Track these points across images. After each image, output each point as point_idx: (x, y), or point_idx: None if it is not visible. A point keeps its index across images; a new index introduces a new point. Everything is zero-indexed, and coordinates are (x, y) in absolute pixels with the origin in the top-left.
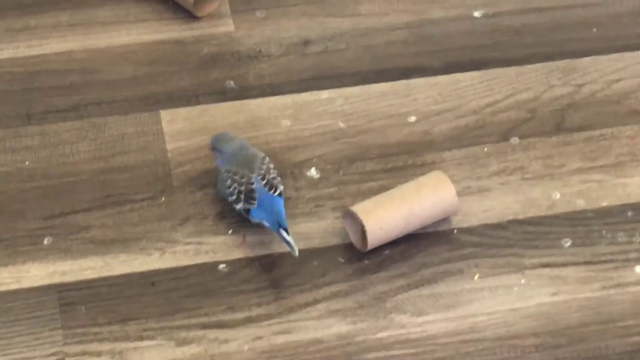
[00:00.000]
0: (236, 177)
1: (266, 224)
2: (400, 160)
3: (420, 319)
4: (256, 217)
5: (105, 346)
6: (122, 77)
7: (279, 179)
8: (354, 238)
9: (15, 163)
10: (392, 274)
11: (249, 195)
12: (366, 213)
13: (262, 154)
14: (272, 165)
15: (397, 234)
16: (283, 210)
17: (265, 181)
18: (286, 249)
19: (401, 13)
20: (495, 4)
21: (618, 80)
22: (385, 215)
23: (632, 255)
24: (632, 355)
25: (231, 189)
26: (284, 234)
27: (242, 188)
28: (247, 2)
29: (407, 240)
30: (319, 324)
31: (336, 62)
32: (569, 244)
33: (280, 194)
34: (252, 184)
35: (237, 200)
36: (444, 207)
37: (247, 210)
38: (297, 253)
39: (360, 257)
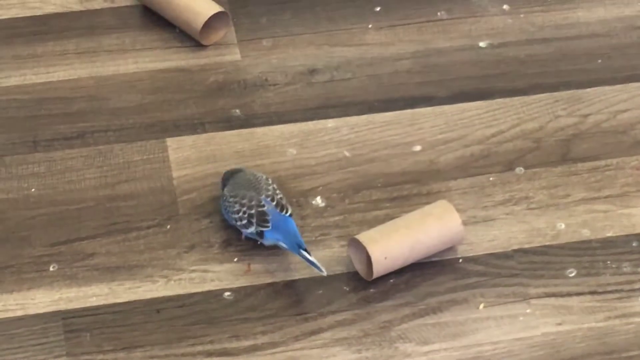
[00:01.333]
0: (244, 201)
1: (283, 245)
2: (406, 189)
3: (426, 348)
4: (271, 239)
5: None
6: (128, 104)
7: (286, 199)
8: (359, 267)
9: (21, 190)
10: (398, 303)
11: (262, 218)
12: (372, 242)
13: (264, 175)
14: (276, 186)
15: (402, 262)
16: (297, 230)
17: (275, 202)
18: (292, 277)
19: (407, 43)
20: (501, 34)
21: (623, 111)
22: (391, 244)
23: (637, 285)
24: None
25: (240, 214)
26: (307, 254)
27: (253, 211)
28: (254, 31)
29: (412, 269)
30: (324, 352)
31: (342, 91)
32: (574, 273)
33: (290, 215)
34: (263, 205)
35: (249, 224)
36: (450, 236)
37: (260, 233)
38: (325, 272)
39: (365, 286)
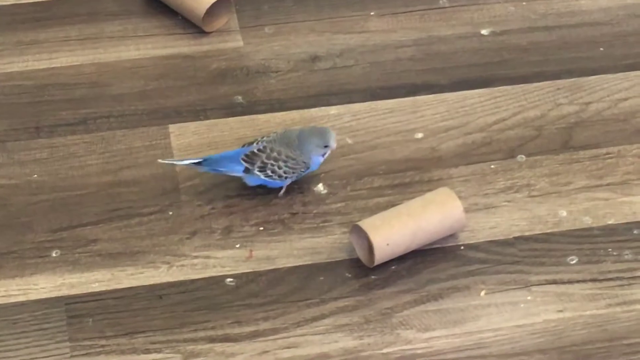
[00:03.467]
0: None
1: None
2: (408, 176)
3: (427, 335)
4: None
5: (112, 359)
6: (131, 91)
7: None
8: (360, 253)
9: (23, 176)
10: (399, 290)
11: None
12: (373, 228)
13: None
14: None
15: (404, 249)
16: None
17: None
18: (294, 263)
19: (409, 30)
20: (503, 22)
21: (625, 99)
22: (393, 231)
23: (638, 273)
24: None
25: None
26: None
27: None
28: (256, 18)
29: (413, 256)
30: (326, 338)
31: (344, 78)
32: (575, 261)
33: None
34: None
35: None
36: (451, 223)
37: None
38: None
39: (367, 273)
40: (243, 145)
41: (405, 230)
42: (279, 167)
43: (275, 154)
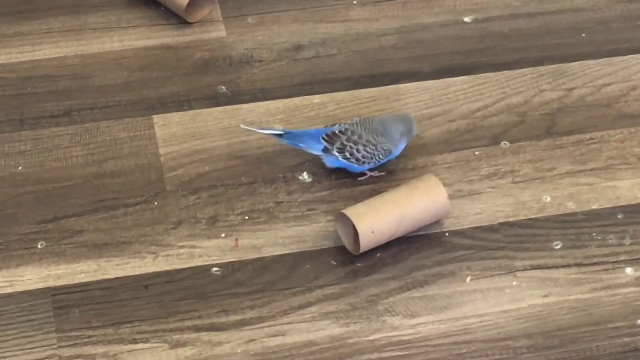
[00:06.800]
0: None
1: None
2: (392, 164)
3: (413, 321)
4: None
5: (99, 349)
6: (114, 82)
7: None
8: (346, 241)
9: (8, 168)
10: (385, 277)
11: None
12: (358, 216)
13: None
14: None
15: (389, 237)
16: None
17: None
18: (280, 251)
19: (392, 18)
20: (485, 9)
21: (607, 85)
22: (378, 219)
23: (622, 257)
24: (622, 356)
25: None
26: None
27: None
28: (239, 8)
29: (399, 243)
30: (312, 326)
31: (327, 67)
32: (559, 246)
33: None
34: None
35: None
36: (436, 210)
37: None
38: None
39: (352, 260)
40: (325, 126)
41: (390, 217)
42: (358, 151)
43: (355, 137)
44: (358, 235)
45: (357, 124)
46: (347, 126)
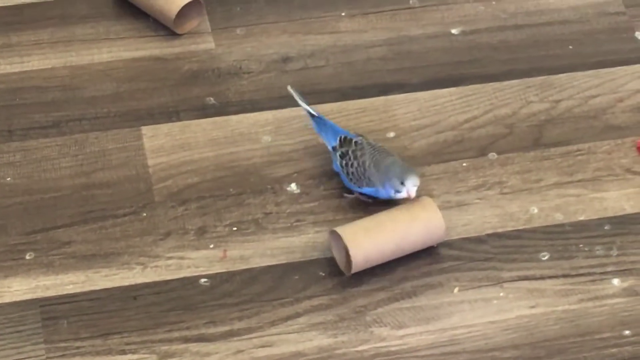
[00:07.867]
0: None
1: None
2: None
3: (401, 332)
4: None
5: None
6: (103, 93)
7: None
8: (337, 256)
9: None
10: (373, 288)
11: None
12: (354, 243)
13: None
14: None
15: (380, 262)
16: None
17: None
18: (268, 262)
19: (380, 30)
20: (473, 21)
21: (595, 97)
22: (373, 248)
23: (610, 268)
24: None
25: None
26: None
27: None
28: (228, 20)
29: None
30: (300, 337)
31: (316, 78)
32: (547, 257)
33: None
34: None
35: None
36: (431, 242)
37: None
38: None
39: (340, 271)
40: (353, 132)
41: (386, 246)
42: (352, 165)
43: (359, 153)
44: (351, 261)
45: (371, 146)
46: (362, 141)
